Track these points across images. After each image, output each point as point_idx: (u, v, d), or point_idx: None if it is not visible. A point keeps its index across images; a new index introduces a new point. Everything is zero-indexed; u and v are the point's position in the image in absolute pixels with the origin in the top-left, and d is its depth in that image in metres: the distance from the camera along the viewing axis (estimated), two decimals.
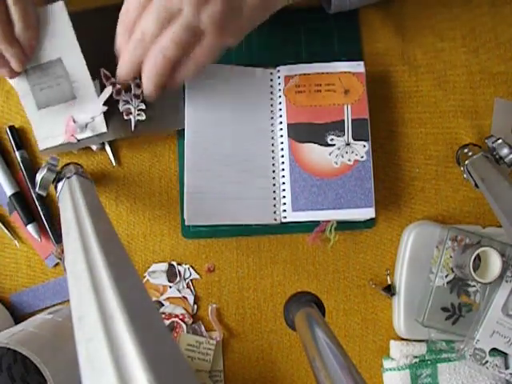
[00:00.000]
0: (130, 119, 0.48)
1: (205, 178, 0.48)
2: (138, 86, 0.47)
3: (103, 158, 0.51)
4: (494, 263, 0.46)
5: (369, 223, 0.51)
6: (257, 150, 0.49)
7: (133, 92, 0.47)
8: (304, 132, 0.48)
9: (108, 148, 0.50)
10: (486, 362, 0.48)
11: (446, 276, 0.48)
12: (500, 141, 0.47)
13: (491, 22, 0.53)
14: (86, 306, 0.22)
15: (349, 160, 0.48)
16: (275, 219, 0.48)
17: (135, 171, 0.51)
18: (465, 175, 0.50)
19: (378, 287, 0.50)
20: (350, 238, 0.51)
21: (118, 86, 0.47)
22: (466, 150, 0.50)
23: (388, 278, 0.51)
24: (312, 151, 0.48)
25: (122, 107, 0.47)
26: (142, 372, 0.17)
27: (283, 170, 0.48)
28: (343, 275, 0.51)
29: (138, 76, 0.44)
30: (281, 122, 0.49)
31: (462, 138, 0.53)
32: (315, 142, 0.48)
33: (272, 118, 0.50)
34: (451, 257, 0.48)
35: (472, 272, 0.44)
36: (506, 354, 0.49)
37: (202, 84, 0.49)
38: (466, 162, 0.49)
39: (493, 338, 0.48)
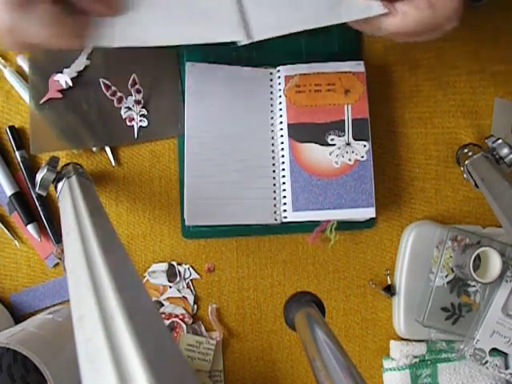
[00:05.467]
0: (133, 126, 0.48)
1: (205, 178, 0.48)
2: (139, 91, 0.47)
3: (103, 158, 0.51)
4: (494, 263, 0.46)
5: (369, 223, 0.51)
6: (257, 150, 0.49)
7: (134, 98, 0.48)
8: (304, 132, 0.48)
9: (108, 148, 0.50)
10: (486, 362, 0.48)
11: (446, 276, 0.48)
12: (500, 141, 0.47)
13: (491, 22, 0.53)
14: (86, 305, 0.22)
15: (349, 160, 0.48)
16: (275, 219, 0.48)
17: (135, 171, 0.51)
18: (465, 175, 0.50)
19: (378, 287, 0.50)
20: (349, 237, 0.51)
21: (120, 94, 0.47)
22: (466, 150, 0.50)
23: (388, 277, 0.51)
24: (312, 151, 0.48)
25: (124, 114, 0.48)
26: (142, 372, 0.17)
27: (283, 170, 0.48)
28: (343, 275, 0.51)
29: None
30: (281, 122, 0.49)
31: (461, 138, 0.53)
32: (315, 142, 0.48)
33: (272, 118, 0.50)
34: (451, 257, 0.48)
35: (472, 272, 0.44)
36: (506, 354, 0.49)
37: (201, 84, 0.49)
38: (466, 162, 0.49)
39: (493, 338, 0.48)
